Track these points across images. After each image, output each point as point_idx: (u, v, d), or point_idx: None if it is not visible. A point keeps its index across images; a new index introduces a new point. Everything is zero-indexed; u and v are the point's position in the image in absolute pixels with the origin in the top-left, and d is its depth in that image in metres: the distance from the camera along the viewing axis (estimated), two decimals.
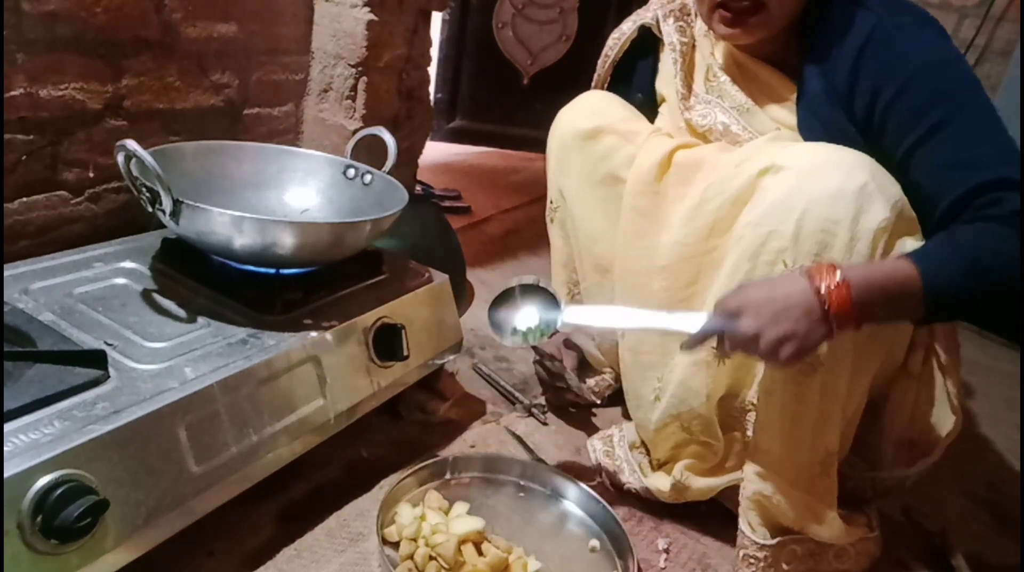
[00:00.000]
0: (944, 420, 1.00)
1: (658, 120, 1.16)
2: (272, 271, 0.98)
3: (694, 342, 0.86)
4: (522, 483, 1.07)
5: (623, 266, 1.10)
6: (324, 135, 1.51)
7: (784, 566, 0.95)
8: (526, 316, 0.98)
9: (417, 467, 1.02)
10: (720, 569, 1.01)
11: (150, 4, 1.15)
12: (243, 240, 0.91)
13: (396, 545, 0.92)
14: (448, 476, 1.05)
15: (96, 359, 0.76)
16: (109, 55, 1.12)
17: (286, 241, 0.92)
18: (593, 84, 1.28)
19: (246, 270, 0.99)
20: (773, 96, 1.01)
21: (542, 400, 1.33)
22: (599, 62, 1.26)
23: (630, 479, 1.10)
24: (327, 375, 0.94)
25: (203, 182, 1.06)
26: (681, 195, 1.02)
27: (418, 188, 1.96)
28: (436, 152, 2.59)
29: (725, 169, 0.97)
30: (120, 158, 0.87)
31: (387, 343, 1.03)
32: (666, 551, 1.02)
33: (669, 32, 1.12)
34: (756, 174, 0.91)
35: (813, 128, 0.96)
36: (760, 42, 0.99)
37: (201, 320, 0.91)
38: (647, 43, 1.18)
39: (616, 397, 1.29)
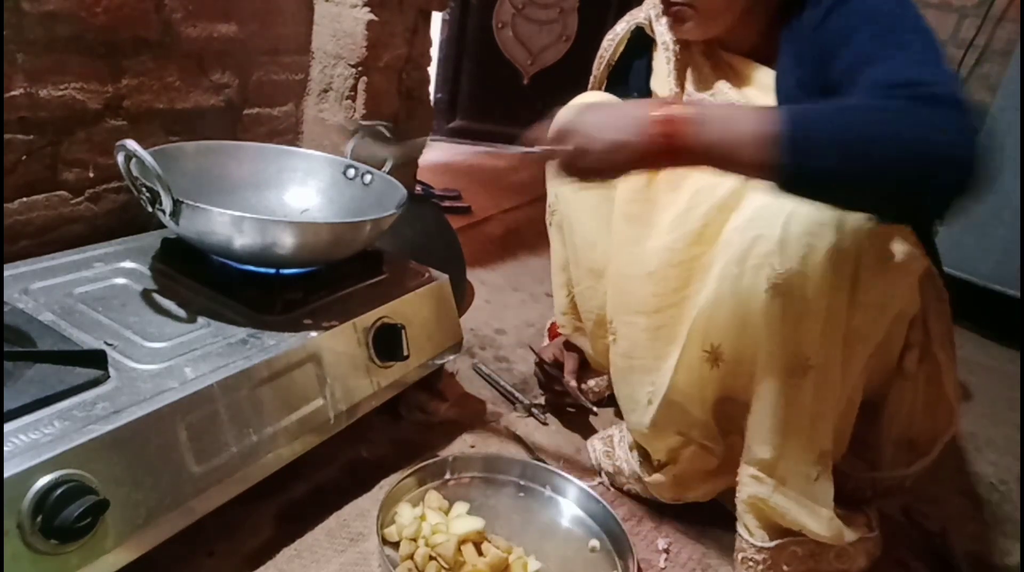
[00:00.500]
0: (941, 419, 1.01)
1: None
2: (272, 271, 0.98)
3: (531, 159, 0.85)
4: (522, 483, 1.07)
5: (615, 271, 1.10)
6: (324, 135, 1.51)
7: (784, 567, 0.95)
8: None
9: (417, 467, 1.02)
10: (720, 569, 1.01)
11: (150, 4, 1.15)
12: (243, 240, 0.91)
13: (396, 545, 0.92)
14: (448, 476, 1.05)
15: (96, 359, 0.76)
16: (109, 55, 1.12)
17: (286, 241, 0.92)
18: (590, 86, 1.27)
19: (246, 270, 0.99)
20: (761, 92, 1.01)
21: (542, 400, 1.33)
22: (595, 63, 1.26)
23: (630, 479, 1.10)
24: (327, 375, 0.94)
25: (203, 182, 1.06)
26: (671, 201, 1.02)
27: (418, 188, 1.96)
28: (436, 152, 2.59)
29: (713, 175, 0.97)
30: (120, 158, 0.87)
31: (387, 343, 1.03)
32: (666, 551, 1.02)
33: (662, 32, 1.12)
34: (743, 179, 0.91)
35: None
36: (743, 39, 1.01)
37: (201, 320, 0.91)
38: (642, 43, 1.18)
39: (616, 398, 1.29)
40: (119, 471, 0.69)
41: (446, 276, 1.20)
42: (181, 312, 0.92)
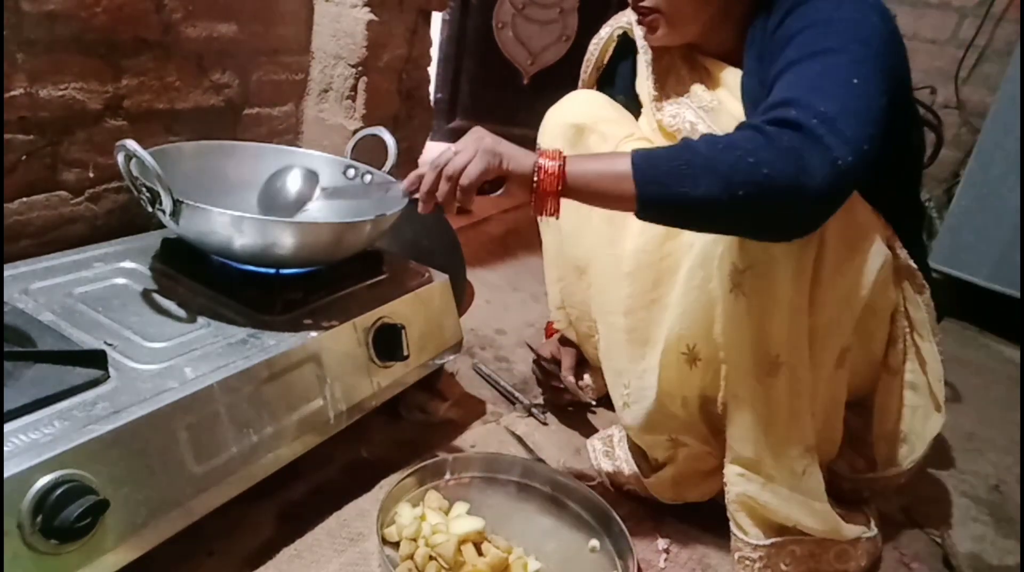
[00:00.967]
0: (928, 416, 1.02)
1: (640, 121, 1.17)
2: (272, 271, 0.98)
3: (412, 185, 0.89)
4: (522, 483, 1.07)
5: (596, 271, 1.12)
6: (324, 135, 1.51)
7: (783, 567, 0.95)
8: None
9: (417, 467, 1.01)
10: (720, 569, 1.01)
11: (150, 4, 1.15)
12: (243, 240, 0.91)
13: (396, 545, 0.92)
14: (448, 476, 1.05)
15: (96, 359, 0.76)
16: (109, 55, 1.12)
17: (286, 241, 0.92)
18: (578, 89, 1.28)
19: (246, 270, 0.99)
20: (731, 94, 1.02)
21: (542, 400, 1.33)
22: (582, 67, 1.27)
23: (630, 479, 1.10)
24: (327, 375, 0.94)
25: (203, 182, 1.06)
26: None
27: None
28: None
29: None
30: (120, 158, 0.87)
31: (387, 343, 1.03)
32: (666, 551, 1.02)
33: (640, 36, 1.13)
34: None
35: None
36: (719, 42, 1.03)
37: (201, 320, 0.91)
38: (627, 46, 1.19)
39: None
40: (119, 471, 0.69)
41: (446, 276, 1.20)
42: (181, 312, 0.92)
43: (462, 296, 1.55)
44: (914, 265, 0.99)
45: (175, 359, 0.82)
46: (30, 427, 0.67)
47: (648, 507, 1.09)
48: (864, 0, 0.88)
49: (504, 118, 2.69)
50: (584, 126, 1.13)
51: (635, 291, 1.02)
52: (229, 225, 0.90)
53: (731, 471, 0.95)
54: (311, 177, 1.08)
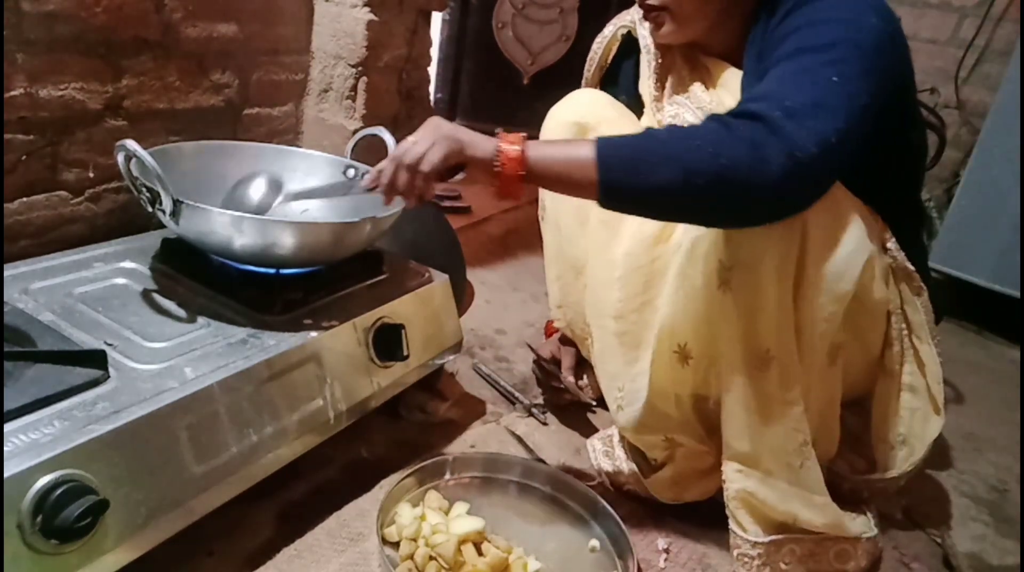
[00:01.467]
0: (927, 418, 1.02)
1: (642, 120, 1.17)
2: (272, 271, 0.98)
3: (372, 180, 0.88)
4: (522, 483, 1.07)
5: (591, 275, 1.12)
6: (324, 135, 1.51)
7: (783, 566, 0.95)
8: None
9: (417, 467, 1.01)
10: (720, 569, 1.01)
11: (150, 4, 1.15)
12: (243, 240, 0.91)
13: (396, 545, 0.92)
14: (448, 476, 1.05)
15: (96, 359, 0.76)
16: (109, 55, 1.12)
17: (286, 241, 0.92)
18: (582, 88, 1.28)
19: (246, 270, 0.99)
20: (729, 94, 1.03)
21: (542, 400, 1.33)
22: (586, 65, 1.27)
23: (630, 479, 1.10)
24: (327, 375, 0.94)
25: (203, 182, 1.06)
26: None
27: None
28: None
29: None
30: (120, 158, 0.87)
31: (387, 343, 1.03)
32: (666, 551, 1.02)
33: (645, 35, 1.13)
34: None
35: None
36: (721, 41, 1.03)
37: (201, 320, 0.91)
38: (631, 46, 1.19)
39: None
40: (119, 471, 0.69)
41: (446, 276, 1.20)
42: (181, 312, 0.92)
43: (462, 296, 1.55)
44: (911, 267, 0.99)
45: (175, 359, 0.82)
46: (30, 427, 0.67)
47: (648, 507, 1.09)
48: (865, 1, 0.88)
49: (504, 118, 2.69)
50: (586, 125, 1.13)
51: (626, 295, 1.02)
52: (229, 225, 0.90)
53: (729, 468, 0.95)
54: (275, 184, 1.09)
